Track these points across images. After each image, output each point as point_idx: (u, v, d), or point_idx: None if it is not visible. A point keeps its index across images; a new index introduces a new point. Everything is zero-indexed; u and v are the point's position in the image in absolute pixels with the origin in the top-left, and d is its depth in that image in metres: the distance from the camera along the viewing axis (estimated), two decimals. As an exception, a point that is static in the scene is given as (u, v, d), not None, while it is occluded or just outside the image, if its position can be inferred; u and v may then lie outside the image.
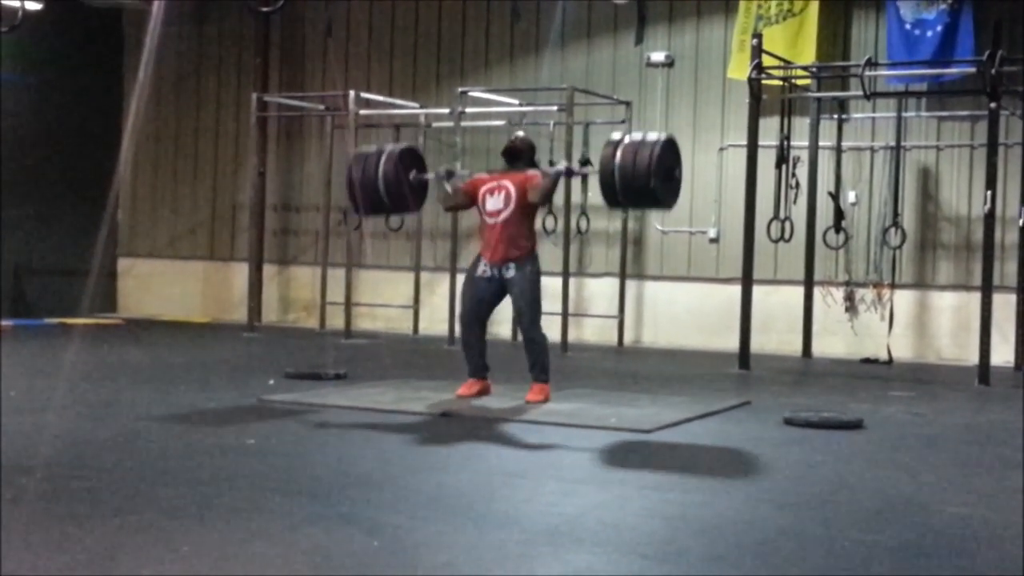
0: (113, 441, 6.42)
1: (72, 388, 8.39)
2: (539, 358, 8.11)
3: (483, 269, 8.11)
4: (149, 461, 5.88)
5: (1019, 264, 11.53)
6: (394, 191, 8.29)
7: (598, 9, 13.56)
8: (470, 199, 8.25)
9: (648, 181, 7.42)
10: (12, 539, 4.25)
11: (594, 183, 10.49)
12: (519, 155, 8.25)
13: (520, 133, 8.58)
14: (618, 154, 7.47)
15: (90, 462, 5.77)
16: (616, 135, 7.72)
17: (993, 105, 10.12)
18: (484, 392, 8.26)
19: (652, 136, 7.64)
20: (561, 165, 8.23)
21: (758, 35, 11.40)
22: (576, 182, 12.73)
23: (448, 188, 8.35)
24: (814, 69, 12.27)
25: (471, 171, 8.89)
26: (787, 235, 12.34)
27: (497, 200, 8.05)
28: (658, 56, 13.38)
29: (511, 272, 8.01)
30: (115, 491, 5.15)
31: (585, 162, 12.84)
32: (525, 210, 8.05)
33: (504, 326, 13.00)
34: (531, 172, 8.12)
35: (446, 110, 13.62)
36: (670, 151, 7.60)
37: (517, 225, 8.03)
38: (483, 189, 8.13)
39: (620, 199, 7.70)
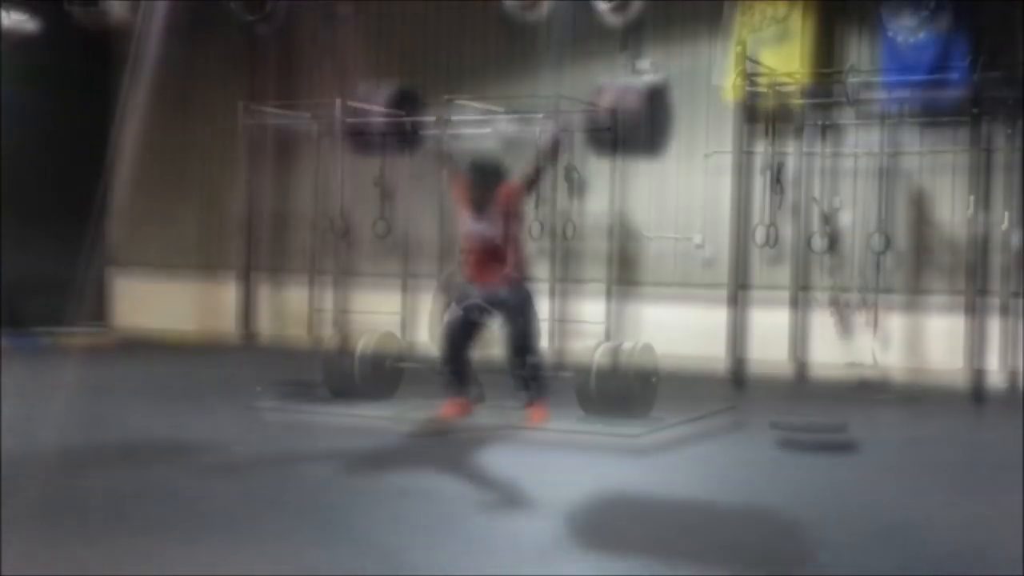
0: (104, 457, 6.42)
1: (62, 403, 8.36)
2: (534, 377, 8.01)
3: (473, 292, 8.04)
4: (140, 477, 5.89)
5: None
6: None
7: (584, 17, 13.55)
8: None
9: (627, 388, 7.86)
10: (3, 557, 4.27)
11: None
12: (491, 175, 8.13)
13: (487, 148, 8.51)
14: (596, 356, 7.91)
15: (81, 479, 5.78)
16: (591, 343, 8.20)
17: (983, 121, 10.15)
18: (468, 412, 8.13)
19: (628, 344, 8.11)
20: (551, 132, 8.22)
21: (743, 44, 11.41)
22: (563, 193, 12.68)
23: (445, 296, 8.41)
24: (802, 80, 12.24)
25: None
26: (774, 246, 12.26)
27: (481, 223, 7.93)
28: (643, 64, 13.38)
29: (503, 295, 7.92)
30: (107, 508, 5.16)
31: (571, 171, 12.88)
32: (511, 219, 7.92)
33: (497, 345, 12.95)
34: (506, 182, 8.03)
35: (432, 118, 13.61)
36: (647, 356, 8.08)
37: (505, 241, 7.91)
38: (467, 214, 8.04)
39: (596, 404, 7.98)
